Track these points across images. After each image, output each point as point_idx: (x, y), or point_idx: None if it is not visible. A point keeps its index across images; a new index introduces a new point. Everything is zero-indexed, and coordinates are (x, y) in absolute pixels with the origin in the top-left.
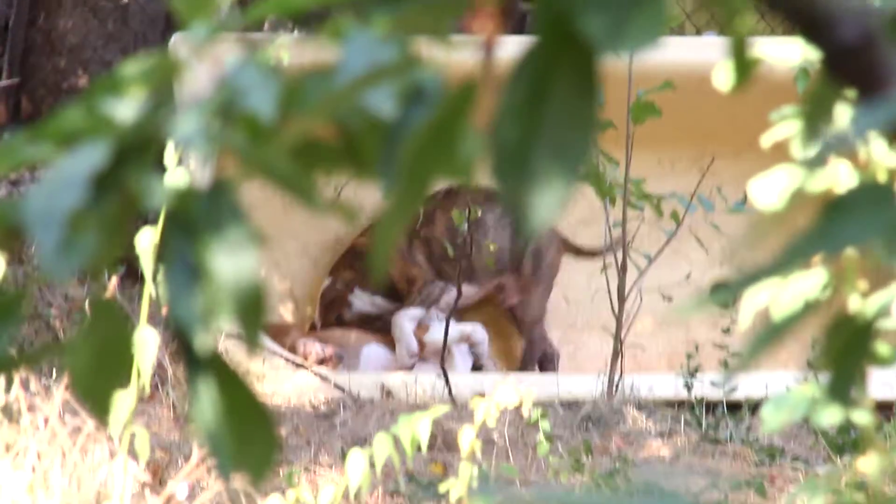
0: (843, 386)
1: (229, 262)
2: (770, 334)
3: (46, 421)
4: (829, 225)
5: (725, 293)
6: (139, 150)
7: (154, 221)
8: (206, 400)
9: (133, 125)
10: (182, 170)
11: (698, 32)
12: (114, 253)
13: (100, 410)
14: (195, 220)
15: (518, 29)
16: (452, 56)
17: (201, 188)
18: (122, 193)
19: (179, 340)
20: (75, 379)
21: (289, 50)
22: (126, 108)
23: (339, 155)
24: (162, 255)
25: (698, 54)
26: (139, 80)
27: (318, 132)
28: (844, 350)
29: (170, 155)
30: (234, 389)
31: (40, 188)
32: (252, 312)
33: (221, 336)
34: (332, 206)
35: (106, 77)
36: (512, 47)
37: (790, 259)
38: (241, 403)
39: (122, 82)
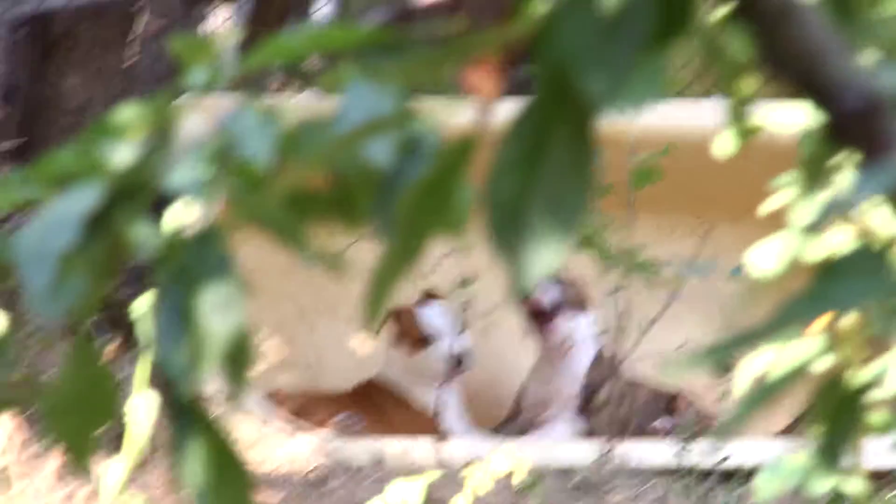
0: (834, 450)
1: (216, 310)
2: (762, 395)
3: (41, 485)
4: (823, 288)
5: (720, 354)
6: (132, 194)
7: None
8: (188, 449)
9: (127, 169)
10: (174, 216)
11: (700, 97)
12: (101, 300)
13: (76, 455)
14: (184, 266)
15: (519, 90)
16: (451, 113)
17: (192, 235)
18: (113, 237)
19: (165, 393)
20: (52, 420)
21: (295, 109)
22: (121, 152)
23: (333, 205)
24: (153, 304)
25: (698, 119)
26: (135, 124)
27: (312, 183)
28: (835, 414)
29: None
30: (214, 442)
31: (32, 228)
32: (238, 362)
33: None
34: (323, 257)
35: (102, 121)
36: (510, 107)
37: (784, 320)
38: (220, 456)
39: (118, 126)
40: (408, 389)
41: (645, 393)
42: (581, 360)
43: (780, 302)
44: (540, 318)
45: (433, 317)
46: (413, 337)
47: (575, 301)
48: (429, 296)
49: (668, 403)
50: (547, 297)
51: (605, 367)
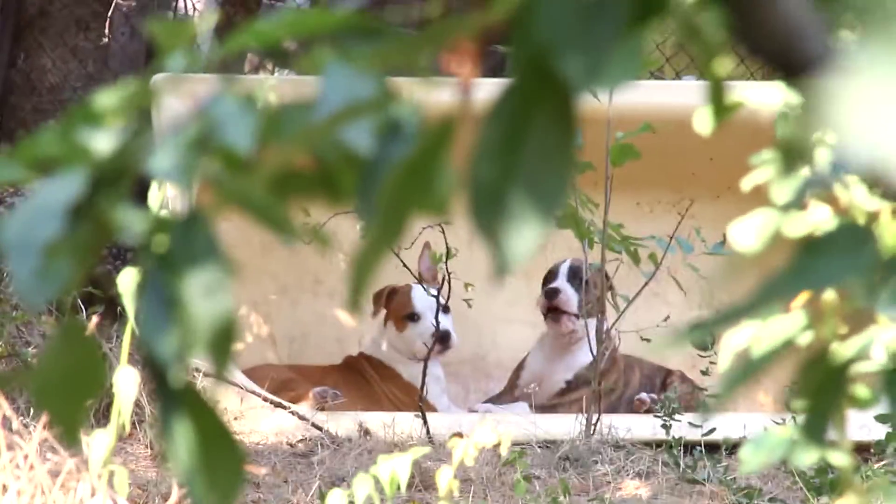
0: (819, 424)
1: (202, 293)
2: (746, 371)
3: (26, 458)
4: (806, 264)
5: (702, 331)
6: (115, 179)
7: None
8: (178, 430)
9: (109, 155)
10: (158, 201)
11: (678, 76)
12: (82, 279)
13: (65, 424)
14: (170, 250)
15: (496, 72)
16: (430, 95)
17: (177, 218)
18: (96, 222)
19: (152, 372)
20: (41, 396)
21: (272, 91)
22: (102, 138)
23: (315, 186)
24: (138, 287)
25: (678, 98)
26: (116, 109)
27: (295, 163)
28: (820, 389)
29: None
30: (205, 419)
31: (17, 216)
32: (223, 343)
33: (199, 375)
34: (307, 235)
35: (82, 106)
36: (489, 89)
37: (766, 296)
38: (211, 432)
39: (98, 111)
40: (395, 365)
41: (642, 370)
42: (580, 356)
43: (761, 277)
44: (557, 310)
45: (420, 296)
46: (400, 314)
47: (588, 305)
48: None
49: (664, 379)
50: (569, 302)
51: (601, 363)
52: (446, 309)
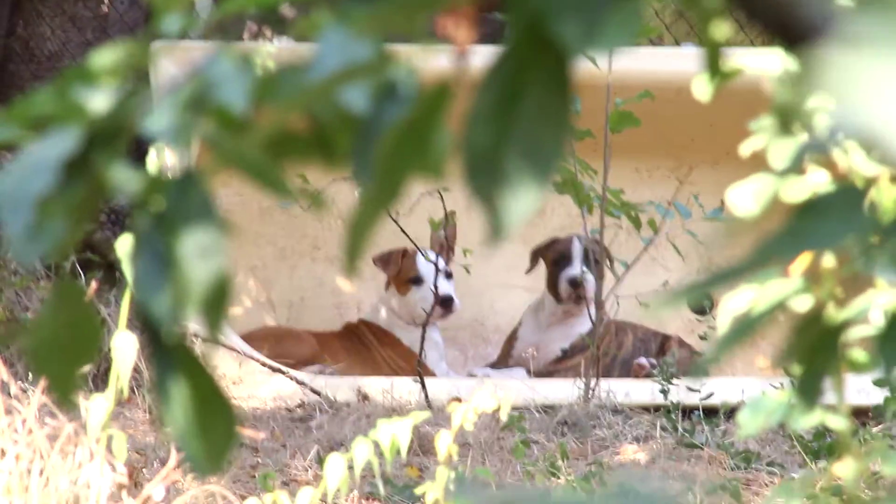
0: (813, 385)
1: (198, 253)
2: (741, 331)
3: (24, 423)
4: (803, 226)
5: (698, 291)
6: (110, 138)
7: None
8: (173, 391)
9: (105, 113)
10: (154, 160)
11: (677, 44)
12: (79, 240)
13: (61, 387)
14: (165, 210)
15: (493, 39)
16: (427, 60)
17: (172, 178)
18: (91, 180)
19: (148, 333)
20: (38, 358)
21: (269, 56)
22: (98, 97)
23: (312, 147)
24: (133, 247)
25: (676, 65)
26: (112, 69)
27: (292, 125)
28: (814, 350)
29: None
30: (199, 380)
31: (10, 171)
32: (217, 303)
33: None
34: (303, 196)
35: (79, 66)
36: (486, 55)
37: (762, 257)
38: (206, 393)
39: (94, 72)
40: (394, 331)
41: (636, 334)
42: (576, 327)
43: (759, 241)
44: (576, 287)
45: (424, 261)
46: (404, 278)
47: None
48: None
49: (661, 344)
50: (592, 289)
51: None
52: (449, 275)
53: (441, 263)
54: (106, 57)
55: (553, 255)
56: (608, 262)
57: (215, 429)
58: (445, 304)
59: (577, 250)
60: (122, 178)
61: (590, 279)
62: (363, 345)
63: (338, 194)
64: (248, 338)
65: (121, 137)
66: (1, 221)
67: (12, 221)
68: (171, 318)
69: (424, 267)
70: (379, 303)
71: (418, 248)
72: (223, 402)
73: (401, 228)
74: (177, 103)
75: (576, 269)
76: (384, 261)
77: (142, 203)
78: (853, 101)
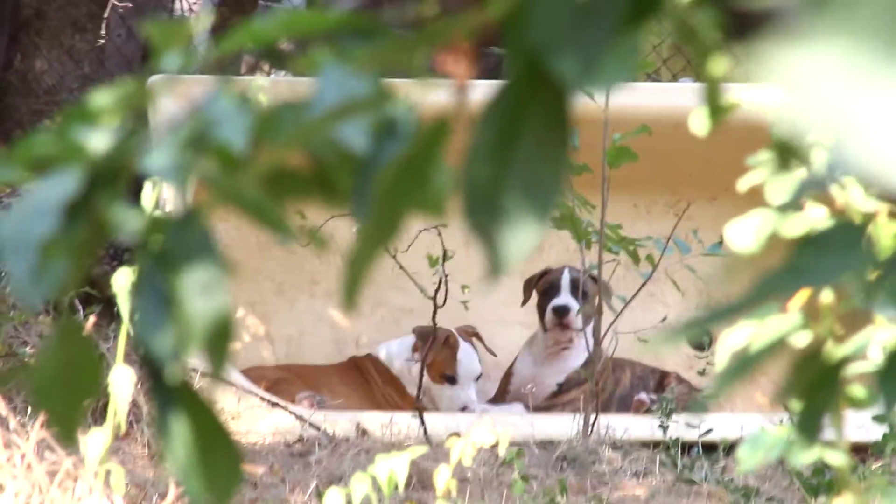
0: (813, 421)
1: (199, 291)
2: (741, 368)
3: (23, 458)
4: (802, 262)
5: (698, 328)
6: (111, 178)
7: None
8: (174, 428)
9: (105, 153)
10: (155, 199)
11: (674, 78)
12: (80, 278)
13: (64, 424)
14: (166, 248)
15: (492, 74)
16: (426, 95)
17: (173, 217)
18: (92, 221)
19: (148, 370)
20: (40, 395)
21: (266, 92)
22: (98, 137)
23: (311, 185)
24: (134, 286)
25: (674, 100)
26: (111, 109)
27: (292, 163)
28: (814, 387)
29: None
30: (202, 417)
31: (13, 214)
32: (219, 341)
33: (196, 375)
34: (303, 235)
35: (78, 105)
36: (484, 90)
37: (762, 294)
38: (208, 430)
39: (94, 111)
40: (402, 379)
41: (634, 370)
42: (570, 361)
43: (758, 277)
44: (560, 316)
45: (466, 360)
46: (438, 370)
47: (586, 317)
48: (470, 334)
49: (659, 381)
50: (577, 319)
51: (591, 364)
52: (479, 377)
53: (476, 361)
54: (105, 95)
55: (543, 286)
56: (608, 297)
57: (218, 466)
58: (465, 410)
59: (565, 280)
60: (123, 218)
61: (574, 307)
62: (364, 380)
63: (336, 230)
64: (246, 374)
65: (121, 177)
66: (1, 261)
67: (16, 264)
68: (173, 356)
69: (464, 369)
70: (398, 354)
71: (471, 341)
72: (226, 439)
73: (399, 265)
74: (176, 142)
75: (562, 298)
76: (423, 338)
77: (142, 242)
78: (801, 93)
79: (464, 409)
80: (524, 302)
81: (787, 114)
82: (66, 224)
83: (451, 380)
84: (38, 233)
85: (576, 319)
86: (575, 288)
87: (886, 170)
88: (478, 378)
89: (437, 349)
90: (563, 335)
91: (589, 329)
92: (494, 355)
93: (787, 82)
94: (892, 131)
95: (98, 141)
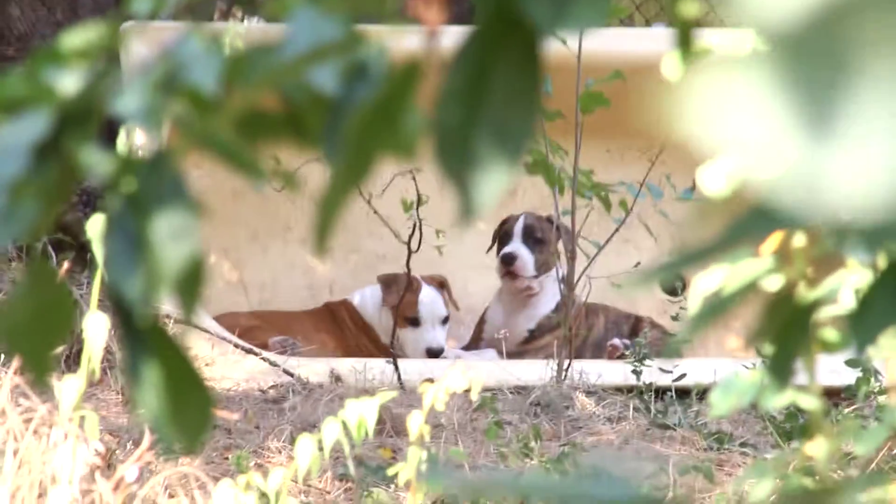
0: (785, 365)
1: (170, 234)
2: (712, 311)
3: None
4: (773, 205)
5: (670, 271)
6: (81, 120)
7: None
8: (146, 373)
9: (75, 95)
10: (125, 142)
11: (647, 24)
12: (52, 222)
13: (36, 368)
14: (137, 191)
15: (463, 19)
16: (397, 40)
17: (143, 159)
18: (63, 163)
19: (120, 314)
20: (11, 336)
21: (239, 37)
22: (69, 79)
23: (283, 127)
24: (105, 228)
25: (647, 45)
26: (82, 51)
27: (263, 106)
28: (786, 329)
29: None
30: (174, 361)
31: None
32: (191, 284)
33: (170, 322)
34: (277, 180)
35: (49, 48)
36: (455, 35)
37: (734, 236)
38: (180, 375)
39: (65, 53)
40: (375, 326)
41: (608, 316)
42: (540, 307)
43: (730, 221)
44: (507, 264)
45: (427, 302)
46: (401, 313)
47: (544, 263)
48: (437, 282)
49: (633, 326)
50: (525, 267)
51: (563, 310)
52: (445, 319)
53: (441, 303)
54: (76, 38)
55: (500, 234)
56: (568, 240)
57: (190, 410)
58: (432, 353)
59: (518, 227)
60: (94, 160)
61: (523, 255)
62: (338, 326)
63: (310, 176)
64: (220, 320)
65: (92, 119)
66: None
67: None
68: (144, 299)
69: (425, 309)
70: (372, 300)
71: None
72: (198, 384)
73: (373, 209)
74: (147, 84)
75: (511, 246)
76: (387, 284)
77: (113, 185)
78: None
79: (429, 351)
80: (489, 248)
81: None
82: (35, 165)
83: (414, 322)
84: (8, 174)
85: (525, 267)
86: (528, 235)
87: None
88: (445, 321)
89: (397, 296)
90: (515, 283)
91: (558, 273)
92: (458, 309)
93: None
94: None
95: (68, 83)
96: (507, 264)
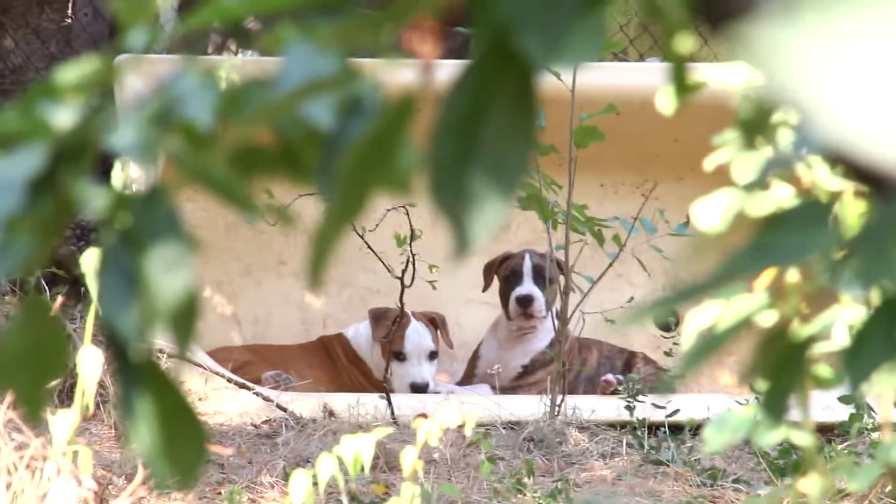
0: (779, 401)
1: (164, 268)
2: (706, 347)
3: None
4: (768, 241)
5: (664, 307)
6: (76, 154)
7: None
8: (140, 408)
9: (70, 130)
10: (120, 176)
11: (641, 58)
12: (46, 256)
13: (29, 403)
14: (132, 226)
15: (458, 52)
16: (392, 74)
17: (138, 194)
18: (58, 197)
19: (114, 349)
20: (5, 371)
21: (234, 70)
22: (64, 113)
23: (277, 161)
24: (100, 263)
25: (641, 79)
26: (77, 86)
27: (257, 140)
28: (780, 366)
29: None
30: (167, 397)
31: None
32: (185, 320)
33: (163, 356)
34: (271, 214)
35: (44, 82)
36: (450, 69)
37: (728, 273)
38: (174, 410)
39: (60, 88)
40: (367, 361)
41: (601, 351)
42: (535, 343)
43: (724, 256)
44: (524, 306)
45: (414, 337)
46: (391, 347)
47: (551, 301)
48: (430, 319)
49: (626, 361)
50: (542, 308)
51: (556, 345)
52: (433, 355)
53: (428, 338)
54: (71, 73)
55: (504, 272)
56: (570, 276)
57: (184, 445)
58: (416, 388)
59: (527, 267)
60: (89, 195)
61: (538, 297)
62: (331, 361)
63: (304, 210)
64: (213, 355)
65: (87, 154)
66: None
67: None
68: (138, 334)
69: (411, 343)
70: (365, 335)
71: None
72: (192, 419)
73: (367, 244)
74: (142, 119)
75: (525, 287)
76: (376, 318)
77: (108, 219)
78: (781, 74)
79: (413, 386)
80: (485, 287)
81: (757, 91)
82: (31, 200)
83: (399, 356)
84: (3, 208)
85: (540, 308)
86: (537, 274)
87: (857, 144)
88: (432, 356)
89: (386, 330)
90: (528, 323)
91: (554, 310)
92: (451, 347)
93: (761, 59)
94: (864, 103)
95: (64, 118)
96: (524, 306)
